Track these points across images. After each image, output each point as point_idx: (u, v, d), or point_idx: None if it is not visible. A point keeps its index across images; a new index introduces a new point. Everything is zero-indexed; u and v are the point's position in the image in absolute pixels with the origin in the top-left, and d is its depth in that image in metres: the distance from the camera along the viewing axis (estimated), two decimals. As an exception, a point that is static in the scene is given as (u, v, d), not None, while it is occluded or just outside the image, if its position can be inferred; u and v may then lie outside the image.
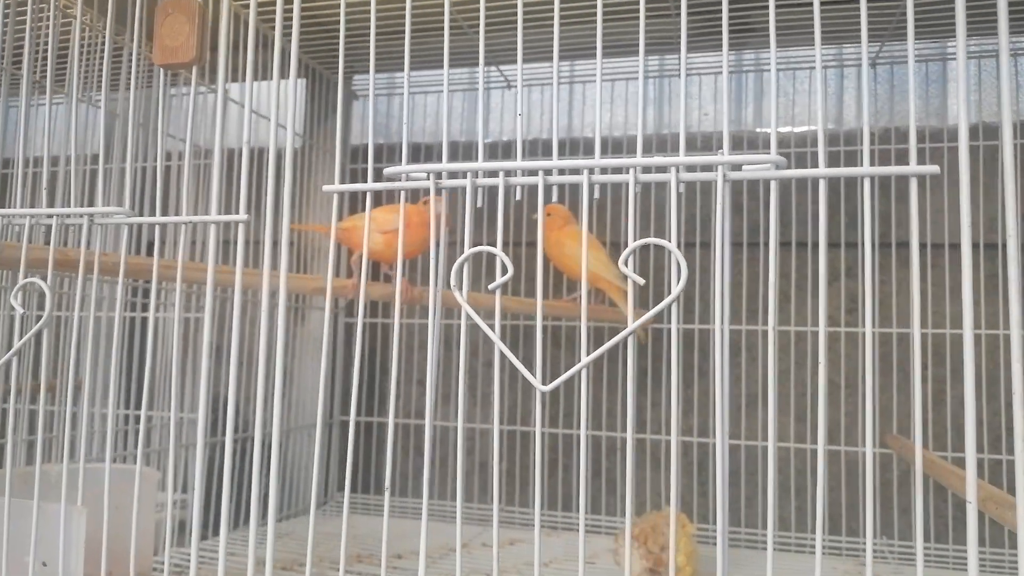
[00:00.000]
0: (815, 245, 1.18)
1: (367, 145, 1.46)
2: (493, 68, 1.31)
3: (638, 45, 0.41)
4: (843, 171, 0.40)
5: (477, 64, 1.33)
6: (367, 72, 1.35)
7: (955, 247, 1.13)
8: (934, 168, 0.38)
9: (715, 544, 1.15)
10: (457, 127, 1.39)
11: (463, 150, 1.35)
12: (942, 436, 1.12)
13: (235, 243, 0.51)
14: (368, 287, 0.94)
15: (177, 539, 1.01)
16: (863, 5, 0.42)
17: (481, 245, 0.44)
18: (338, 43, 1.12)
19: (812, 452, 1.16)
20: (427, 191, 0.46)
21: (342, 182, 1.42)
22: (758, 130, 1.27)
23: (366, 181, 0.49)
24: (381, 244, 0.89)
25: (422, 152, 1.36)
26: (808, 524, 1.14)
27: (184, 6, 0.52)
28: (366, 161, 1.42)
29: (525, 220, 1.21)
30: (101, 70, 0.95)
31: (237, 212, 0.51)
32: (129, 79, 0.84)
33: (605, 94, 1.32)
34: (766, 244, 1.18)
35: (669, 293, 0.41)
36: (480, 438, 1.30)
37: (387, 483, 0.47)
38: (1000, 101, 0.34)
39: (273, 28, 0.52)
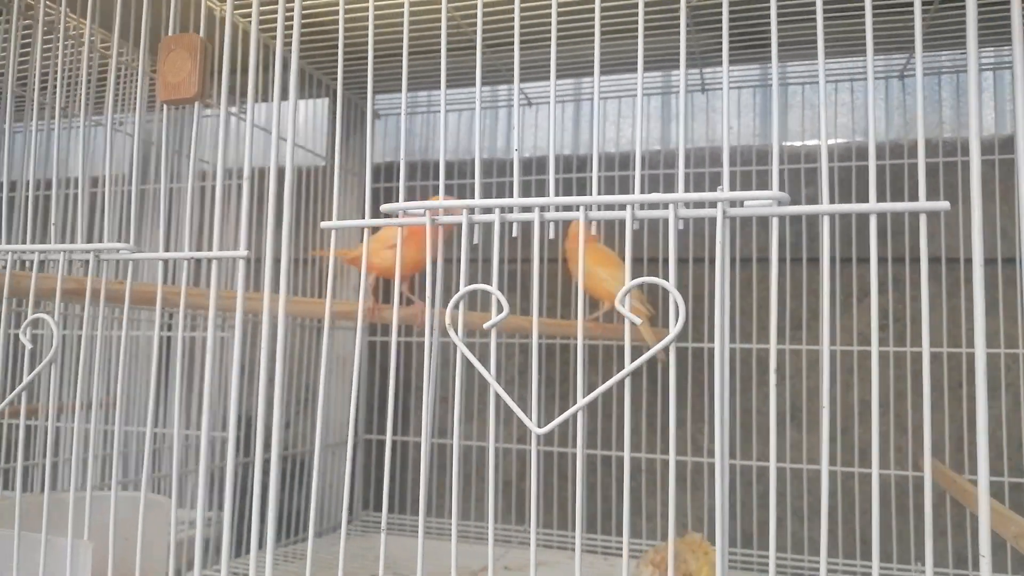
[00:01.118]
0: (843, 260, 1.16)
1: (388, 164, 1.47)
2: (508, 86, 1.30)
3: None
4: (850, 207, 0.39)
5: (495, 83, 1.33)
6: (387, 92, 1.36)
7: (988, 262, 1.09)
8: (944, 204, 0.36)
9: (741, 568, 1.13)
10: (474, 145, 1.38)
11: (482, 166, 1.34)
12: (976, 456, 1.08)
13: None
14: (384, 311, 0.94)
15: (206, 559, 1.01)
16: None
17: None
18: (359, 64, 1.13)
19: (842, 475, 1.13)
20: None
21: (362, 203, 1.42)
22: (788, 144, 1.24)
23: (389, 200, 0.48)
24: (390, 260, 0.89)
25: (434, 169, 1.35)
26: (840, 548, 1.11)
27: (186, 43, 0.52)
28: (388, 180, 1.42)
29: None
30: (119, 96, 0.96)
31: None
32: (141, 104, 0.85)
33: (612, 110, 1.31)
34: (781, 260, 1.15)
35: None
36: (504, 456, 1.29)
37: (383, 518, 0.46)
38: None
39: (290, 48, 0.52)
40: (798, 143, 1.22)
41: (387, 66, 1.10)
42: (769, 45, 1.10)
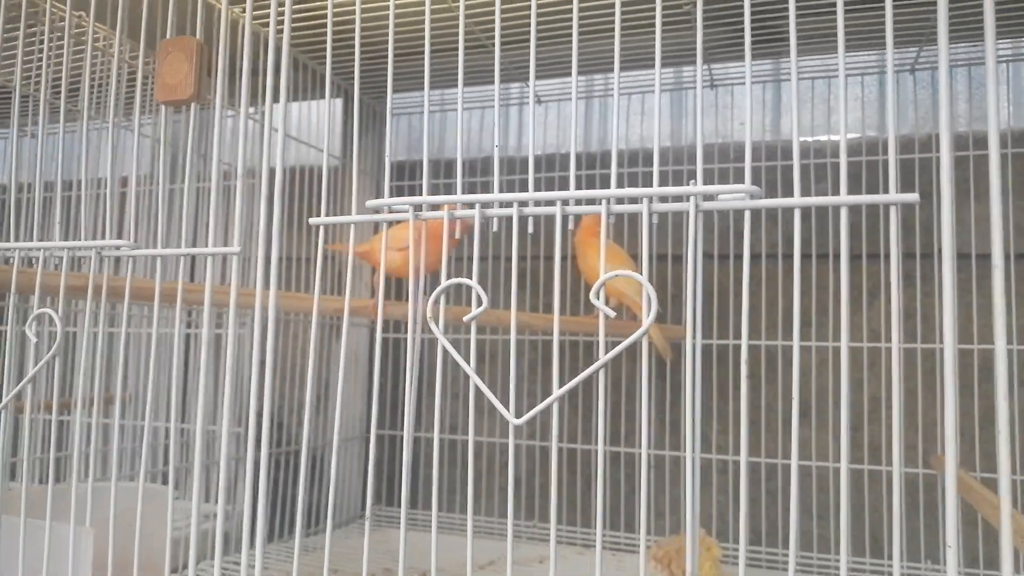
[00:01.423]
0: (871, 256, 1.15)
1: (399, 162, 1.48)
2: (518, 84, 1.31)
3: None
4: (818, 200, 0.39)
5: (506, 81, 1.33)
6: (400, 91, 1.37)
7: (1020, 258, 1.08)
8: (913, 196, 0.36)
9: (750, 565, 1.13)
10: (489, 142, 1.40)
11: (484, 165, 1.36)
12: (991, 455, 1.07)
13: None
14: (389, 307, 0.95)
15: (207, 553, 1.03)
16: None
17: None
18: (372, 65, 1.14)
19: (852, 472, 1.12)
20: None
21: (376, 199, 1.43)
22: (801, 139, 1.23)
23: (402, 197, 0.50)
24: (399, 261, 0.89)
25: (450, 167, 1.37)
26: (831, 545, 1.10)
27: (183, 45, 0.54)
28: (399, 178, 1.44)
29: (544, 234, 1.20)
30: (128, 97, 0.98)
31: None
32: (149, 105, 0.87)
33: (623, 107, 1.31)
34: (788, 256, 1.15)
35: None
36: (516, 453, 1.30)
37: (368, 511, 0.47)
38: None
39: (303, 51, 0.53)
40: (811, 138, 1.22)
41: (399, 66, 1.11)
42: (781, 40, 1.09)
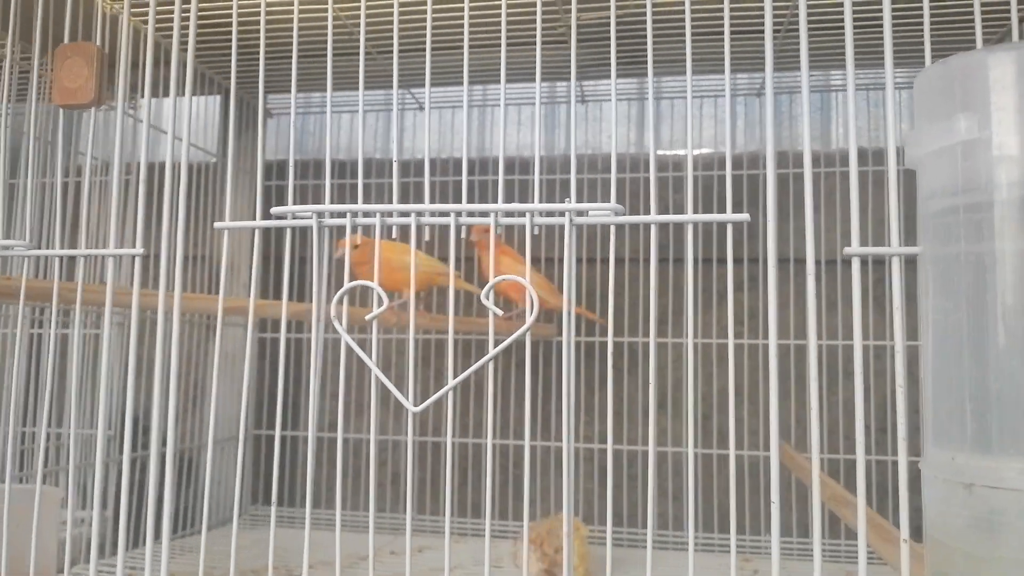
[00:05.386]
0: (720, 260, 1.27)
1: (280, 161, 1.48)
2: (405, 91, 1.35)
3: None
4: (670, 218, 0.47)
5: (389, 87, 1.37)
6: (282, 92, 1.38)
7: (846, 263, 1.22)
8: (745, 216, 0.44)
9: (611, 544, 1.22)
10: (372, 144, 1.43)
11: (376, 166, 1.39)
12: (835, 439, 1.20)
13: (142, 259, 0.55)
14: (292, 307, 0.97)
15: (87, 556, 1.01)
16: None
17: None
18: (251, 63, 1.15)
19: (703, 456, 1.24)
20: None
21: (252, 202, 1.42)
22: (660, 153, 1.34)
23: (281, 197, 0.53)
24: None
25: (335, 168, 1.39)
26: (700, 523, 1.22)
27: (83, 50, 0.55)
28: (280, 178, 1.44)
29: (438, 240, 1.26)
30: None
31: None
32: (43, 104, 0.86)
33: (512, 116, 1.38)
34: (676, 260, 1.26)
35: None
36: (394, 449, 1.34)
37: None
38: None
39: (198, 56, 0.55)
40: (670, 152, 1.33)
41: (280, 66, 1.13)
42: (645, 62, 1.18)
